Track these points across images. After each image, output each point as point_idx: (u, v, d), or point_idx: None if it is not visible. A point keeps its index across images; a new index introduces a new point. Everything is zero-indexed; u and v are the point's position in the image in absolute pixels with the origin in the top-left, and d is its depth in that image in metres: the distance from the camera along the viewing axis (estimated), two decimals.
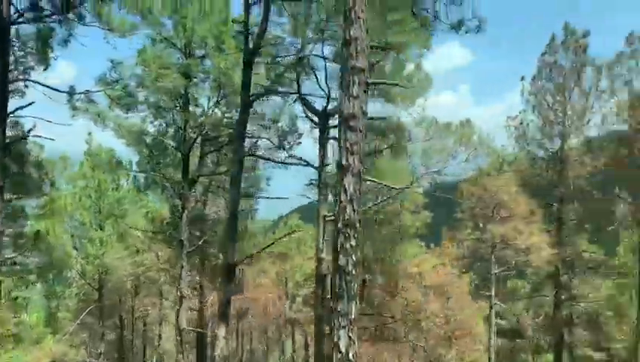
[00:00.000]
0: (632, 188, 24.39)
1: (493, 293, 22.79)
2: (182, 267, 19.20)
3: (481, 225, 23.08)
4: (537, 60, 25.92)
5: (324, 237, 16.35)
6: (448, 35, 10.65)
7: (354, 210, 6.81)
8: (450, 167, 17.62)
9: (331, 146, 16.44)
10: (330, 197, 16.48)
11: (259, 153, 19.58)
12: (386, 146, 17.69)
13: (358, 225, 6.88)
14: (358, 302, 6.88)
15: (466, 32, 9.85)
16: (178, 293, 19.55)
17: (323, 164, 16.40)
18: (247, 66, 11.50)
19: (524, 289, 26.71)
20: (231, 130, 18.24)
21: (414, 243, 22.53)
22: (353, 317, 6.82)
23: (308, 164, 16.95)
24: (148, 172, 21.90)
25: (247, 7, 11.80)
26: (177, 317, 19.52)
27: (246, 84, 11.56)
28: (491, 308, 22.63)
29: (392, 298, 22.07)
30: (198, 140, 19.94)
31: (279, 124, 18.96)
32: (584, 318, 30.82)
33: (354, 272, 6.82)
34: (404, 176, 17.89)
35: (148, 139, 20.90)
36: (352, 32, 6.78)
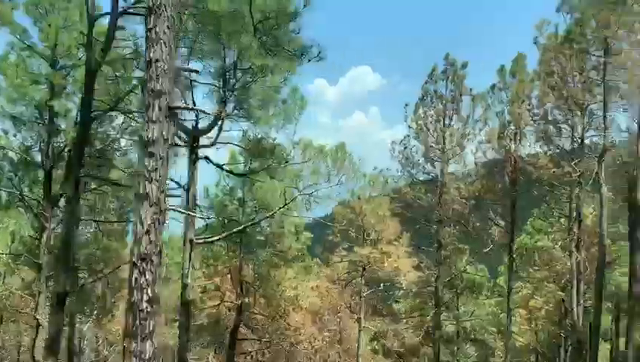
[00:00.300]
0: (503, 212, 26.01)
1: (362, 315, 23.11)
2: (39, 293, 17.72)
3: (353, 247, 23.46)
4: (421, 88, 27.13)
5: (190, 261, 15.70)
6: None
7: (151, 242, 6.39)
8: (325, 189, 17.71)
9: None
10: (197, 220, 15.94)
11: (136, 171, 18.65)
12: (262, 168, 17.48)
13: (155, 258, 6.46)
14: (153, 341, 6.43)
15: (309, 60, 9.91)
16: (35, 321, 18.01)
17: (191, 184, 15.82)
18: (89, 81, 10.79)
19: (402, 310, 27.43)
20: (99, 148, 17.25)
21: (295, 266, 22.40)
22: (148, 357, 6.38)
23: (178, 185, 16.28)
24: (9, 188, 20.17)
25: (91, 20, 11.11)
26: (33, 347, 17.92)
27: (86, 100, 10.82)
28: (360, 330, 22.89)
29: (273, 321, 21.71)
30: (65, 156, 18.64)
31: None
32: (470, 335, 32.34)
33: (149, 310, 6.39)
34: (279, 197, 17.74)
35: (11, 154, 19.44)
36: (152, 54, 6.45)
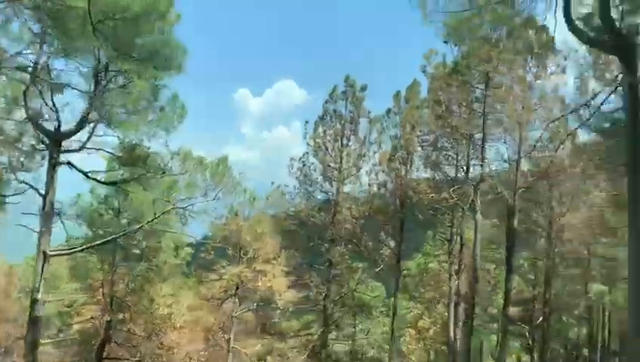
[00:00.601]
0: (394, 233, 26.52)
1: (232, 336, 22.51)
2: None
3: (230, 264, 22.91)
4: (322, 107, 27.21)
5: (42, 275, 14.48)
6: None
7: None
8: (201, 204, 17.02)
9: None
10: (55, 229, 14.82)
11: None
12: (132, 177, 16.57)
13: None
14: None
15: (167, 70, 9.46)
16: None
17: (50, 190, 14.66)
18: None
19: (296, 328, 27.12)
20: None
21: (172, 282, 21.43)
22: None
23: (32, 188, 15.02)
24: None
25: None
26: None
27: None
28: (229, 351, 22.27)
29: (148, 339, 20.61)
30: None
31: (18, 144, 16.79)
32: (361, 354, 32.49)
33: None
34: (151, 209, 16.91)
35: None
36: None
